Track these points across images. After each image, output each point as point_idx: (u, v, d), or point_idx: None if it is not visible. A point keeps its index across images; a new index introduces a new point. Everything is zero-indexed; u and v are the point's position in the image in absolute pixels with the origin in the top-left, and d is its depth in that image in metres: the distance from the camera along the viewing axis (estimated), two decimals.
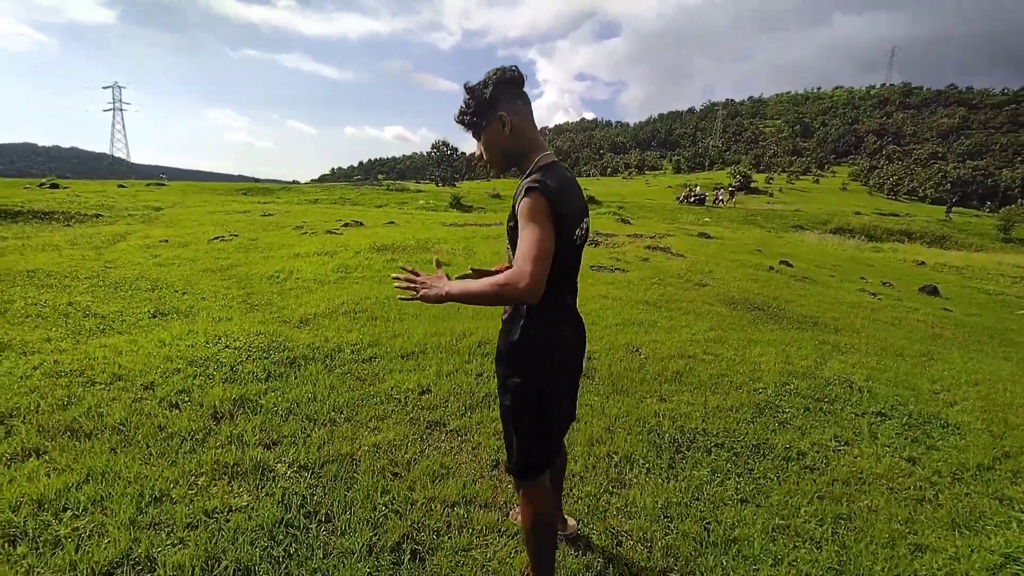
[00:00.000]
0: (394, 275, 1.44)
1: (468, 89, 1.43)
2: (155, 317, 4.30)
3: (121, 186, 22.58)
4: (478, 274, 1.43)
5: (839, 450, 2.80)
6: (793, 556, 1.92)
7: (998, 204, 53.02)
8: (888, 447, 2.87)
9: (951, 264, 15.45)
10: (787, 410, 3.22)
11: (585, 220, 1.49)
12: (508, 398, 1.49)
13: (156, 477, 2.02)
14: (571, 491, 2.24)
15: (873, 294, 8.82)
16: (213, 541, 1.73)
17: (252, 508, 1.91)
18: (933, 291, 9.94)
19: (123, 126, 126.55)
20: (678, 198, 31.72)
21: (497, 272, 1.33)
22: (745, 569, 1.85)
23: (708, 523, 2.08)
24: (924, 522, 2.21)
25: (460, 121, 1.47)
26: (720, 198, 30.42)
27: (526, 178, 1.40)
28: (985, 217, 37.36)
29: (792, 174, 69.54)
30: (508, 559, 1.82)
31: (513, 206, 1.40)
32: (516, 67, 1.43)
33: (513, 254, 1.37)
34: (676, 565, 1.86)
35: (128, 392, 2.69)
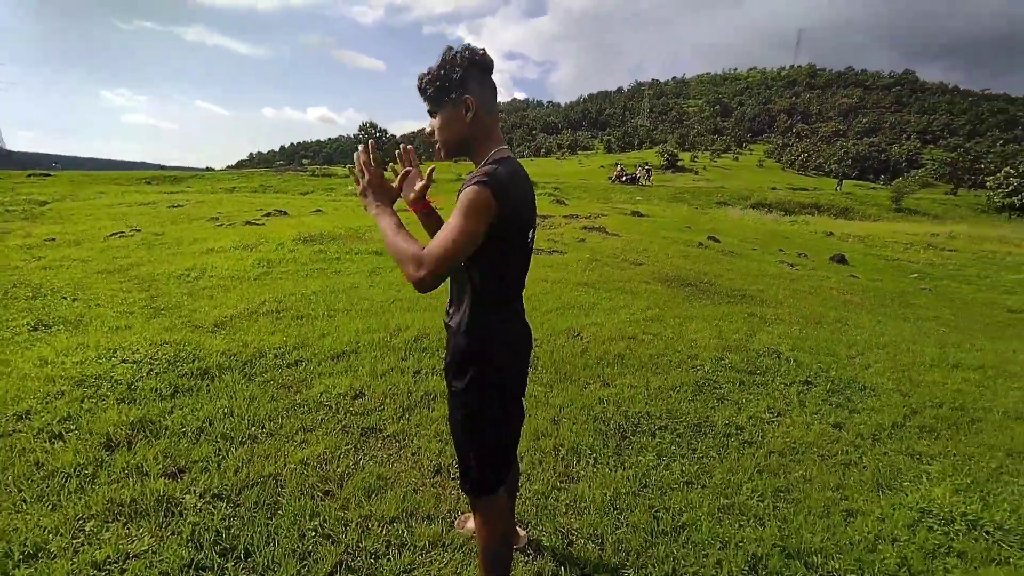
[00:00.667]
0: (361, 148, 1.38)
1: (442, 61, 1.28)
2: (36, 330, 3.72)
3: None
4: (425, 210, 1.46)
5: (773, 421, 2.90)
6: (739, 536, 1.94)
7: (890, 177, 58.79)
8: (816, 414, 3.02)
9: (855, 234, 16.90)
10: (724, 385, 3.31)
11: (534, 219, 1.40)
12: (460, 411, 1.38)
13: (29, 528, 1.69)
14: (519, 491, 2.14)
15: (791, 265, 9.43)
16: None
17: (154, 552, 1.65)
18: (841, 260, 10.81)
19: None
20: (610, 177, 32.45)
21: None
22: (695, 556, 1.84)
23: (657, 511, 2.06)
24: (852, 486, 2.33)
25: (422, 89, 1.32)
26: (639, 176, 31.52)
27: (479, 169, 1.28)
28: (880, 189, 41.26)
29: (715, 152, 73.28)
30: (454, 574, 1.69)
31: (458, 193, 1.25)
32: (486, 50, 1.30)
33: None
34: (628, 560, 1.81)
35: None
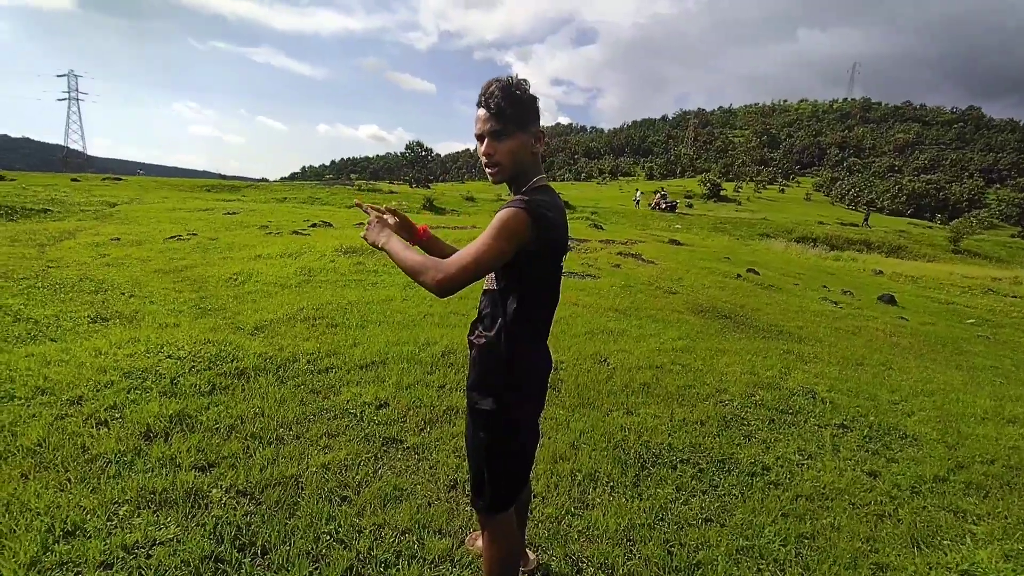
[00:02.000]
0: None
1: (512, 85, 1.28)
2: (95, 322, 4.00)
3: (75, 180, 21.47)
4: (424, 237, 1.63)
5: (803, 464, 2.78)
6: None
7: (948, 216, 55.84)
8: (850, 460, 2.88)
9: (907, 274, 16.08)
10: (752, 422, 3.20)
11: (568, 244, 1.45)
12: (480, 431, 1.41)
13: (71, 507, 1.81)
14: (532, 513, 2.13)
15: (835, 303, 9.06)
16: None
17: (178, 541, 1.73)
18: (890, 300, 10.29)
19: (79, 117, 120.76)
20: (650, 204, 32.20)
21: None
22: None
23: (671, 546, 2.00)
24: (885, 539, 2.20)
25: (501, 110, 1.27)
26: (660, 203, 31.25)
27: (518, 194, 1.33)
28: (937, 229, 39.24)
29: (759, 183, 71.74)
30: None
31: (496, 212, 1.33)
32: None
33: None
34: None
35: (51, 408, 2.45)
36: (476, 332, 1.43)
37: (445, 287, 1.21)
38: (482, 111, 1.30)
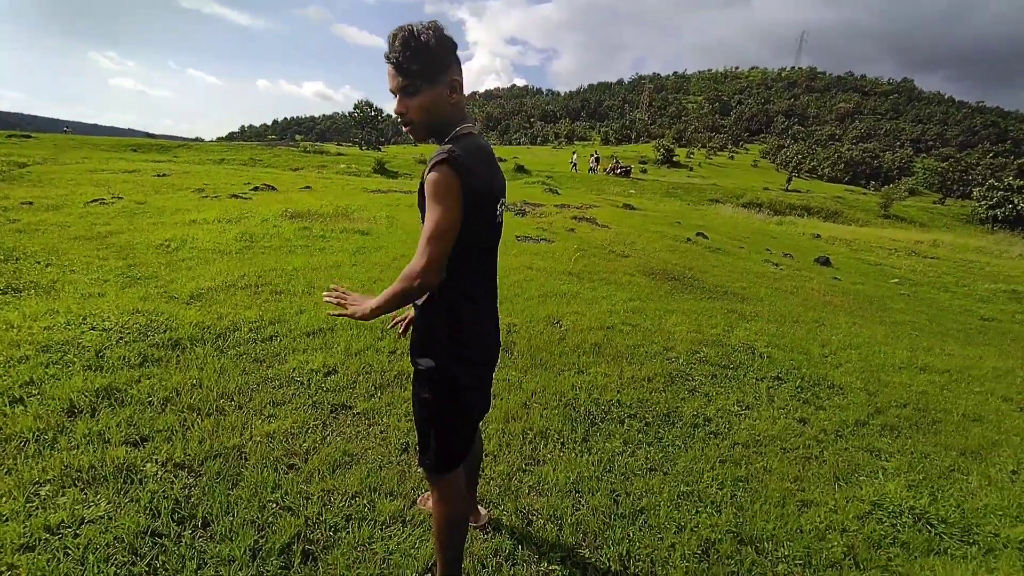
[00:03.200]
0: (325, 294, 1.38)
1: (415, 35, 1.19)
2: (6, 294, 3.64)
3: None
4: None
5: (741, 415, 2.95)
6: (695, 521, 1.98)
7: (880, 184, 59.40)
8: (783, 409, 3.08)
9: (842, 237, 17.09)
10: (696, 378, 3.36)
11: (503, 195, 1.39)
12: (425, 389, 1.38)
13: None
14: (484, 471, 2.17)
15: (776, 264, 9.53)
16: (54, 563, 1.46)
17: (110, 518, 1.65)
18: (826, 262, 10.95)
19: None
20: (605, 169, 32.40)
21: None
22: (651, 538, 1.88)
23: (618, 495, 2.09)
24: (811, 479, 2.38)
25: (403, 66, 1.21)
26: (613, 168, 31.70)
27: (437, 150, 1.25)
28: (870, 195, 41.70)
29: (711, 150, 73.37)
30: (411, 551, 1.71)
31: (422, 176, 1.25)
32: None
33: None
34: (585, 540, 1.85)
35: None
36: None
37: (429, 269, 1.20)
38: (389, 67, 1.23)
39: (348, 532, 1.74)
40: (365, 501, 1.89)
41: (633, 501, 2.06)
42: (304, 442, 2.19)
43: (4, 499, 1.66)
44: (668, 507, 2.04)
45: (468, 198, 1.21)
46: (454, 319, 1.34)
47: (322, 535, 1.72)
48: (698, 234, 11.22)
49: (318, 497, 1.88)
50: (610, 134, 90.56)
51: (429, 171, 1.20)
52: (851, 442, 2.80)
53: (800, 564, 1.82)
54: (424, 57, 1.20)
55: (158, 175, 11.65)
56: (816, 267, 10.38)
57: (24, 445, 1.93)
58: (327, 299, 1.36)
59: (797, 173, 60.67)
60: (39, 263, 4.46)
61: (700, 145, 79.25)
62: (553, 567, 1.72)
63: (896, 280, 10.66)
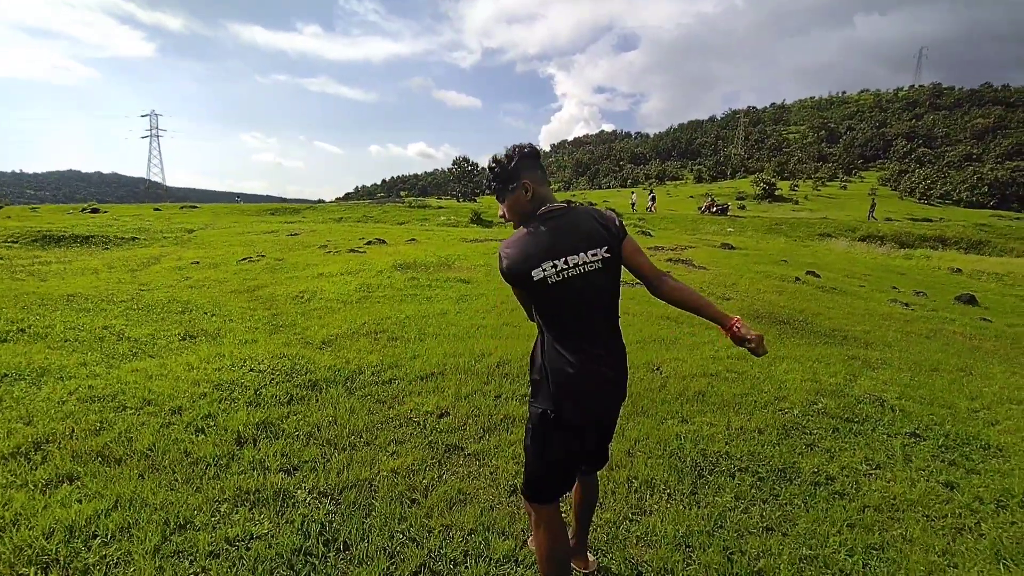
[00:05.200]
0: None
1: (495, 161, 1.63)
2: (185, 340, 4.44)
3: (157, 209, 23.55)
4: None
5: (870, 474, 2.69)
6: None
7: None
8: (923, 471, 2.75)
9: (989, 271, 14.80)
10: (815, 431, 3.12)
11: (552, 261, 1.51)
12: (530, 417, 1.64)
13: (181, 504, 2.07)
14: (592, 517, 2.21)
15: (905, 304, 8.51)
16: (233, 571, 1.76)
17: (272, 536, 1.94)
18: (970, 300, 9.53)
19: (159, 152, 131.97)
20: (699, 208, 31.35)
21: None
22: None
23: (731, 553, 2.02)
24: (964, 553, 2.10)
25: (489, 187, 1.69)
26: (708, 207, 30.18)
27: None
28: None
29: (818, 180, 68.11)
30: None
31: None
32: (531, 143, 1.65)
33: None
34: None
35: (157, 417, 2.78)
36: None
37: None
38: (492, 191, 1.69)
39: (466, 567, 1.88)
40: (480, 539, 2.02)
41: (749, 561, 1.97)
42: (423, 479, 2.40)
43: (196, 512, 2.03)
44: (789, 570, 1.92)
45: (505, 278, 1.57)
46: (542, 371, 1.58)
47: (444, 567, 1.87)
48: (808, 272, 10.40)
49: (438, 531, 2.05)
50: (703, 172, 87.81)
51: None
52: (1018, 515, 2.42)
53: None
54: (502, 174, 1.61)
55: (291, 235, 13.41)
56: (958, 306, 9.08)
57: (207, 468, 2.34)
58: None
59: (926, 199, 53.99)
60: (206, 314, 5.36)
61: (805, 176, 73.95)
62: None
63: None
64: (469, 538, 2.03)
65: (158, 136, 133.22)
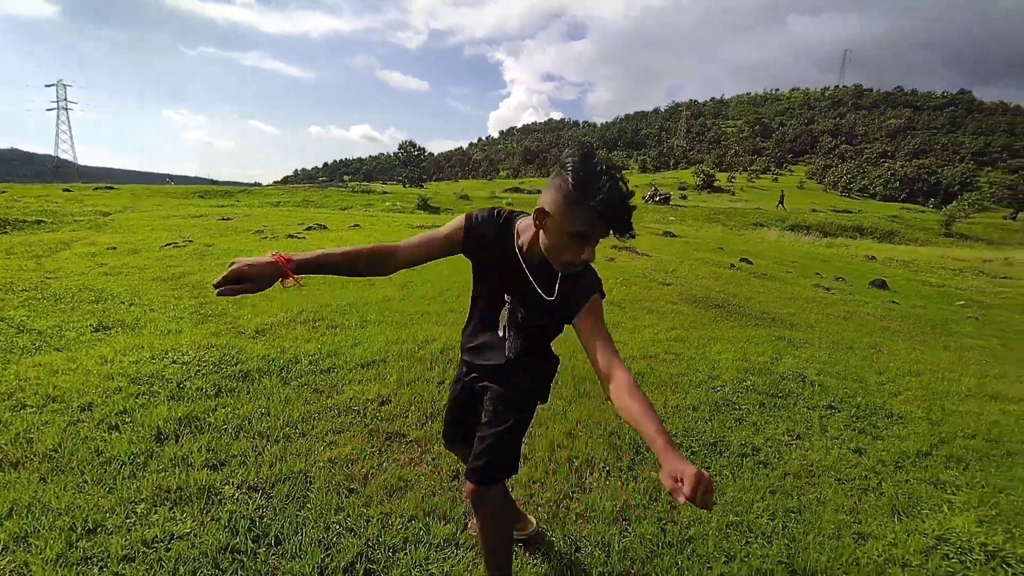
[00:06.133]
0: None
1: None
2: (98, 331, 4.07)
3: (67, 190, 21.41)
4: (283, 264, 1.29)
5: (791, 444, 2.89)
6: (745, 552, 1.97)
7: (940, 201, 56.11)
8: (837, 439, 2.99)
9: (899, 258, 16.27)
10: (743, 406, 3.31)
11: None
12: (524, 412, 1.59)
13: (90, 507, 1.90)
14: (531, 498, 2.24)
15: (827, 289, 9.19)
16: (151, 573, 1.64)
17: (195, 535, 1.82)
18: (882, 285, 10.44)
19: (68, 126, 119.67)
20: (643, 197, 32.32)
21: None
22: (699, 567, 1.88)
23: (665, 524, 2.11)
24: (867, 511, 2.31)
25: (630, 226, 1.24)
26: (652, 196, 31.40)
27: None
28: (929, 213, 39.49)
29: (753, 173, 71.95)
30: (465, 572, 1.79)
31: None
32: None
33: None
34: (633, 568, 1.87)
35: (63, 415, 2.53)
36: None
37: None
38: (602, 220, 1.20)
39: (406, 553, 1.85)
40: (421, 524, 2.00)
41: (681, 530, 2.07)
42: (363, 468, 2.33)
43: (108, 515, 1.87)
44: (717, 537, 2.04)
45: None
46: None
47: (382, 555, 1.83)
48: (742, 259, 11.00)
49: (377, 519, 2.00)
50: (648, 162, 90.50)
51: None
52: (912, 474, 2.68)
53: None
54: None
55: (222, 219, 12.61)
56: (871, 290, 9.92)
57: (121, 467, 2.16)
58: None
59: (847, 193, 58.31)
60: (124, 303, 4.94)
61: (742, 169, 77.93)
62: None
63: (962, 302, 10.02)
64: (409, 524, 1.99)
65: (67, 109, 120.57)
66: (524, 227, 1.42)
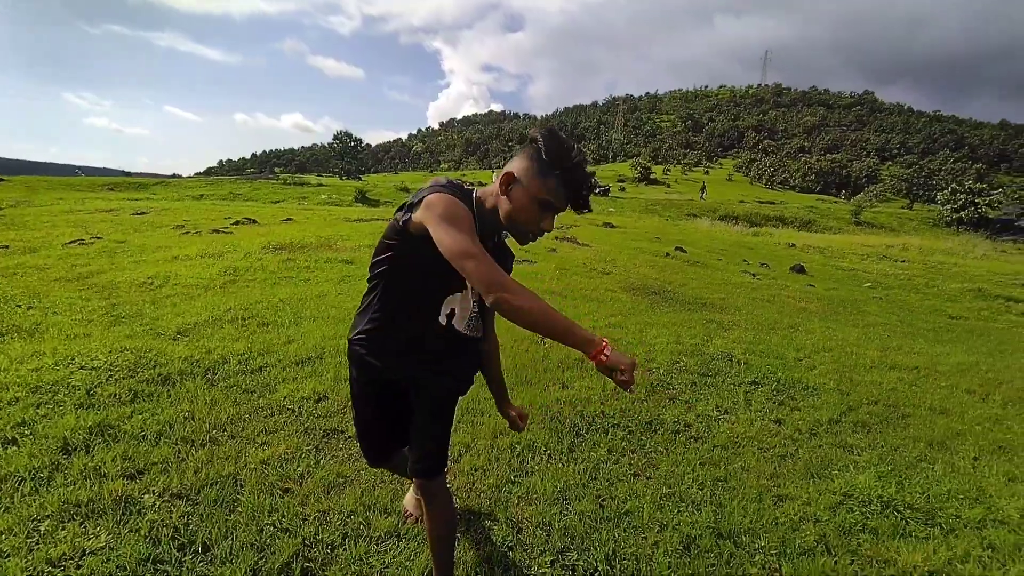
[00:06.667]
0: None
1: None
2: None
3: None
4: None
5: (720, 419, 3.08)
6: (677, 520, 2.08)
7: (851, 192, 61.49)
8: (760, 412, 3.21)
9: (816, 245, 17.63)
10: (677, 386, 3.48)
11: None
12: (450, 398, 1.52)
13: None
14: (474, 485, 2.25)
15: (753, 275, 9.83)
16: None
17: (111, 548, 1.69)
18: (801, 270, 11.30)
19: None
20: None
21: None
22: (635, 538, 1.97)
23: (603, 500, 2.19)
24: (786, 475, 2.50)
25: (588, 200, 1.33)
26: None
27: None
28: (841, 203, 43.09)
29: (686, 166, 75.44)
30: (407, 562, 1.78)
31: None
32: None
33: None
34: (573, 543, 1.93)
35: None
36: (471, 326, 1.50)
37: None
38: (570, 195, 1.29)
39: (345, 549, 1.80)
40: (360, 519, 1.96)
41: (618, 505, 2.16)
42: (298, 467, 2.25)
43: (4, 536, 1.69)
44: (651, 508, 2.14)
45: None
46: None
47: (320, 553, 1.78)
48: (677, 248, 11.52)
49: (314, 518, 1.94)
50: (587, 155, 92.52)
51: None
52: (824, 439, 2.94)
53: (776, 553, 1.93)
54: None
55: (136, 213, 11.63)
56: (792, 275, 10.71)
57: (20, 484, 1.96)
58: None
59: (771, 185, 62.40)
60: (20, 306, 4.45)
61: (676, 162, 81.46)
62: (543, 570, 1.80)
63: (869, 284, 11.04)
64: (348, 520, 1.95)
65: None
66: (484, 195, 1.38)
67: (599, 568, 1.82)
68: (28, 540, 1.70)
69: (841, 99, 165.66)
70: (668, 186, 47.84)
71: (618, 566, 1.83)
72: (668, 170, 66.09)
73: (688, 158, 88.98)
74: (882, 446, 2.89)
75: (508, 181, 1.30)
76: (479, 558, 1.83)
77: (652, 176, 51.95)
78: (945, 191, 35.00)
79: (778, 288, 8.64)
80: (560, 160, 1.25)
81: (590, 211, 1.34)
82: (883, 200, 40.23)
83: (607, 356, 1.07)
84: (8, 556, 1.62)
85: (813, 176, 75.21)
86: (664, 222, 21.15)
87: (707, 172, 74.10)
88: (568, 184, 1.26)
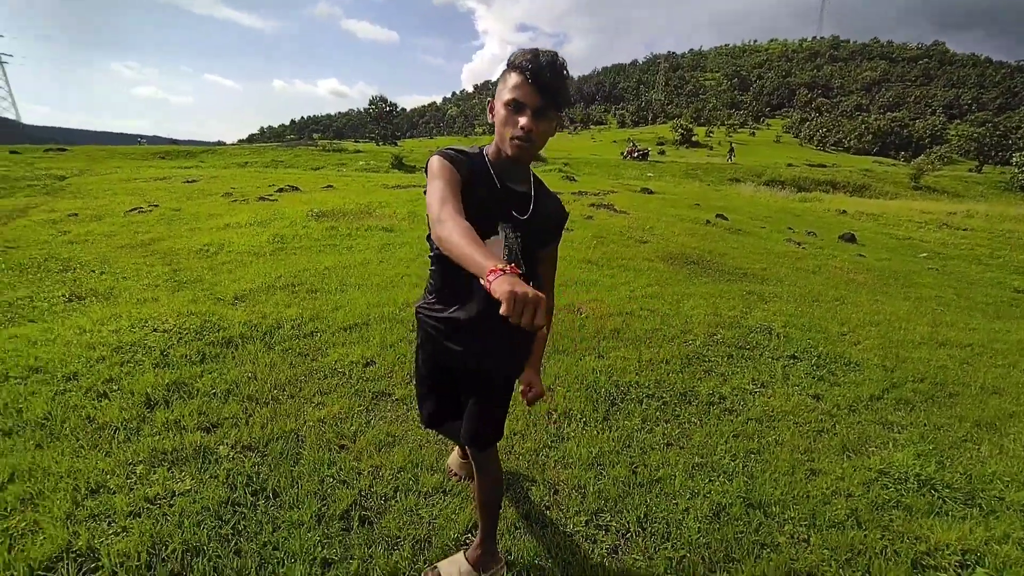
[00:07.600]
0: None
1: (565, 65, 1.28)
2: (71, 301, 4.01)
3: (14, 152, 20.16)
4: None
5: (755, 392, 3.10)
6: (708, 489, 2.16)
7: (911, 154, 57.22)
8: (797, 386, 3.21)
9: (869, 212, 16.71)
10: (713, 359, 3.50)
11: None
12: (507, 384, 1.60)
13: (90, 470, 1.97)
14: (512, 448, 2.38)
15: (798, 243, 9.46)
16: (158, 527, 1.73)
17: (196, 491, 1.92)
18: (851, 238, 10.79)
19: (6, 82, 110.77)
20: (622, 153, 32.10)
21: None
22: (666, 503, 2.07)
23: (636, 467, 2.29)
24: (821, 450, 2.53)
25: (563, 91, 1.26)
26: (630, 152, 31.36)
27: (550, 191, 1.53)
28: (900, 166, 40.29)
29: (731, 127, 71.78)
30: (453, 515, 1.94)
31: (552, 207, 1.51)
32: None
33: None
34: (606, 506, 2.05)
35: (49, 385, 2.55)
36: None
37: None
38: (530, 83, 1.24)
39: (397, 501, 1.98)
40: (410, 475, 2.13)
41: (650, 472, 2.25)
42: (352, 425, 2.44)
43: (109, 476, 1.94)
44: (683, 477, 2.23)
45: None
46: None
47: (375, 503, 1.96)
48: (718, 216, 11.17)
49: (368, 472, 2.12)
50: (626, 116, 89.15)
51: (560, 206, 1.54)
52: (864, 416, 2.92)
53: (805, 525, 1.99)
54: (566, 87, 1.28)
55: (187, 181, 12.15)
56: (840, 244, 10.26)
57: (115, 432, 2.22)
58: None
59: (823, 146, 58.80)
60: (94, 271, 4.85)
61: (720, 123, 77.57)
62: (578, 529, 1.93)
63: (925, 254, 10.47)
64: (399, 475, 2.12)
65: (2, 63, 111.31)
66: (492, 144, 1.43)
67: (631, 529, 1.94)
68: (128, 480, 1.95)
69: (906, 51, 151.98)
70: (711, 148, 45.87)
71: (649, 528, 1.94)
72: (711, 132, 63.17)
73: (733, 119, 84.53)
74: (924, 424, 2.85)
75: (491, 106, 1.38)
76: (518, 515, 1.98)
77: (694, 138, 49.83)
78: (1022, 152, 32.08)
79: (825, 258, 8.32)
80: (521, 60, 1.25)
81: (572, 104, 1.33)
82: (948, 162, 37.25)
83: (490, 282, 0.96)
84: (115, 492, 1.87)
85: (870, 136, 70.22)
86: (705, 187, 20.43)
87: (753, 134, 70.35)
88: (532, 75, 1.23)
